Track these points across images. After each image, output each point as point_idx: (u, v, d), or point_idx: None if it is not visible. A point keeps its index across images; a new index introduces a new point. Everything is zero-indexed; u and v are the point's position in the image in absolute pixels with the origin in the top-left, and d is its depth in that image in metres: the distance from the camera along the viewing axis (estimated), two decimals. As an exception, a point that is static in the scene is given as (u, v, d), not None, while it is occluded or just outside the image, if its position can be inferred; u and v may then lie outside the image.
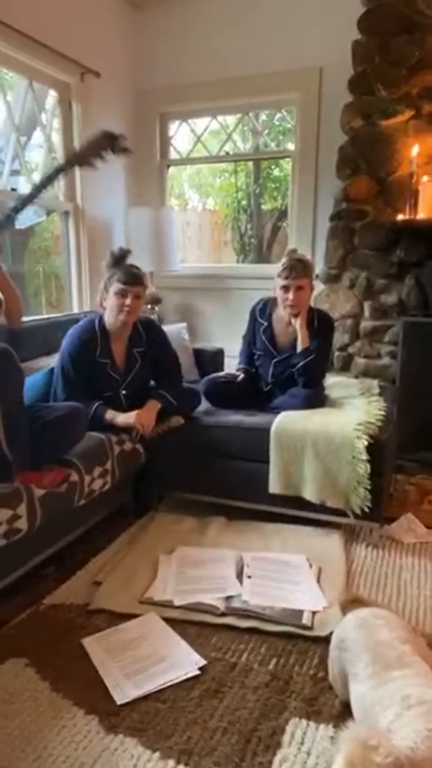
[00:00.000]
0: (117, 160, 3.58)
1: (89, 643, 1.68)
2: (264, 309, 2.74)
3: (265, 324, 2.71)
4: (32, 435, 1.89)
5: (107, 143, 1.94)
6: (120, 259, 2.37)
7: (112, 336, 2.42)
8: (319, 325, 2.62)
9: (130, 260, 2.42)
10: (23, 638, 1.72)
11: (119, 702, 1.45)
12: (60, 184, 3.25)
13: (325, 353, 2.67)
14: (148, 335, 2.51)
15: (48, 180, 1.93)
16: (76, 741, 1.35)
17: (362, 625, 1.32)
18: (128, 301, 2.31)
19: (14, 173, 3.06)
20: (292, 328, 2.62)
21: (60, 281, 3.61)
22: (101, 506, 2.33)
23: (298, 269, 2.50)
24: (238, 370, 2.82)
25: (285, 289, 2.53)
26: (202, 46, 3.51)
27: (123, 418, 2.31)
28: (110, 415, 2.31)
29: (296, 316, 2.56)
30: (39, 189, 1.90)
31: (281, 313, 2.64)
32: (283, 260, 2.56)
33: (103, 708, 1.44)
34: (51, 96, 3.17)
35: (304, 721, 1.40)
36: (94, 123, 3.33)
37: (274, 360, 2.67)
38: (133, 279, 2.33)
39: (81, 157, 1.97)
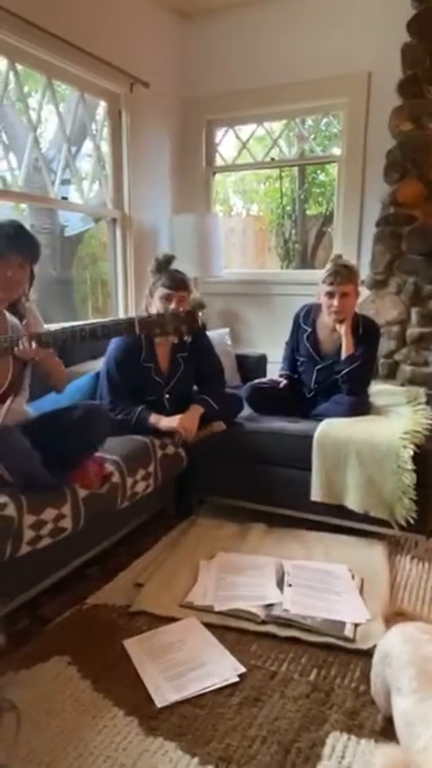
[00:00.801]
0: (164, 168, 3.67)
1: (130, 644, 1.70)
2: (307, 315, 2.72)
3: (309, 330, 2.69)
4: (60, 440, 1.89)
5: (183, 321, 1.77)
6: (165, 264, 2.41)
7: (156, 341, 2.45)
8: (365, 331, 2.58)
9: (175, 265, 2.45)
10: (66, 636, 1.75)
11: (159, 705, 1.46)
12: (108, 191, 3.32)
13: (370, 361, 2.62)
14: (191, 340, 2.52)
15: (111, 330, 1.77)
16: (116, 742, 1.36)
17: (407, 639, 1.29)
18: (172, 305, 2.34)
19: (65, 182, 3.15)
20: (336, 335, 2.59)
21: (107, 286, 3.69)
22: (143, 509, 2.35)
23: (343, 275, 2.47)
24: (280, 376, 2.81)
25: (330, 295, 2.50)
26: (250, 53, 3.53)
27: (166, 422, 2.33)
28: (153, 419, 2.34)
29: (341, 322, 2.53)
30: (98, 333, 1.76)
31: (325, 319, 2.61)
32: (328, 266, 2.54)
33: (143, 710, 1.45)
34: (101, 107, 3.24)
35: (345, 735, 1.38)
36: (143, 132, 3.40)
37: (318, 366, 2.65)
38: (178, 283, 2.36)
39: (151, 324, 1.77)
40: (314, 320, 2.69)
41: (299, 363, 2.74)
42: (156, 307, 2.39)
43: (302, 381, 2.74)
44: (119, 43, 3.10)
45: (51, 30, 2.59)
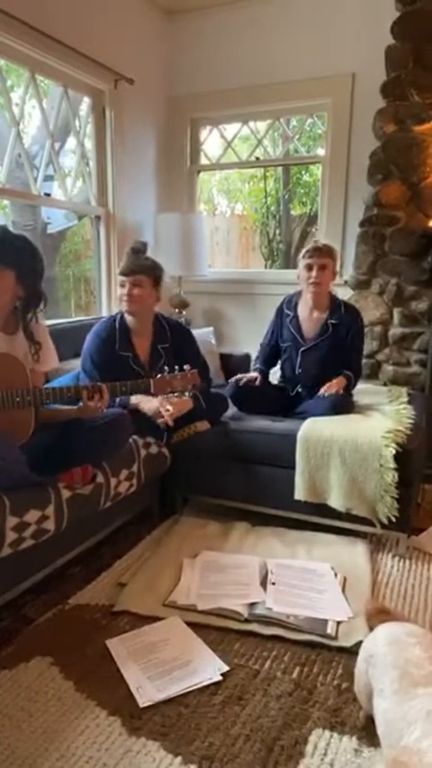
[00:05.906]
0: (148, 166, 3.65)
1: (113, 644, 1.69)
2: (290, 301, 2.83)
3: (292, 314, 2.78)
4: (78, 438, 1.93)
5: (186, 382, 2.04)
6: (136, 254, 2.40)
7: (132, 331, 2.45)
8: (347, 311, 2.69)
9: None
10: (49, 636, 1.74)
11: (142, 705, 1.46)
12: (92, 188, 3.30)
13: (360, 344, 2.74)
14: (174, 334, 2.53)
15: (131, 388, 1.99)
16: (99, 742, 1.35)
17: (393, 641, 1.29)
18: (126, 290, 2.35)
19: (48, 178, 3.12)
20: (316, 315, 2.69)
21: (90, 284, 3.66)
22: (126, 509, 2.34)
23: (323, 250, 2.61)
24: (254, 370, 2.85)
25: (309, 267, 2.62)
26: (235, 52, 3.52)
27: (147, 404, 2.31)
28: (135, 399, 2.32)
29: (318, 294, 2.63)
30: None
31: (306, 297, 2.71)
32: (308, 246, 2.69)
33: (125, 710, 1.45)
34: (85, 103, 3.21)
35: (327, 732, 1.39)
36: (127, 129, 3.38)
37: (302, 348, 2.71)
38: (130, 268, 2.36)
39: (164, 384, 2.02)
40: (296, 305, 2.78)
41: (282, 350, 2.80)
42: (120, 294, 2.40)
43: (286, 376, 2.80)
44: (103, 39, 3.07)
45: (35, 24, 2.56)
